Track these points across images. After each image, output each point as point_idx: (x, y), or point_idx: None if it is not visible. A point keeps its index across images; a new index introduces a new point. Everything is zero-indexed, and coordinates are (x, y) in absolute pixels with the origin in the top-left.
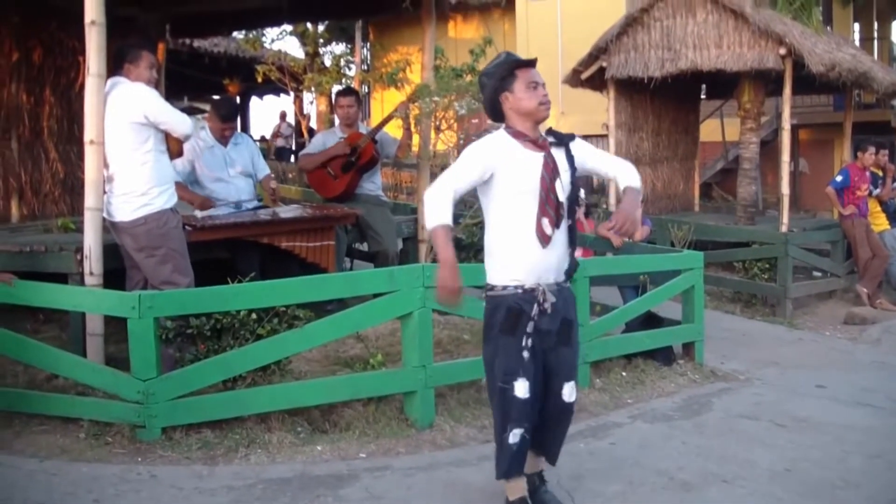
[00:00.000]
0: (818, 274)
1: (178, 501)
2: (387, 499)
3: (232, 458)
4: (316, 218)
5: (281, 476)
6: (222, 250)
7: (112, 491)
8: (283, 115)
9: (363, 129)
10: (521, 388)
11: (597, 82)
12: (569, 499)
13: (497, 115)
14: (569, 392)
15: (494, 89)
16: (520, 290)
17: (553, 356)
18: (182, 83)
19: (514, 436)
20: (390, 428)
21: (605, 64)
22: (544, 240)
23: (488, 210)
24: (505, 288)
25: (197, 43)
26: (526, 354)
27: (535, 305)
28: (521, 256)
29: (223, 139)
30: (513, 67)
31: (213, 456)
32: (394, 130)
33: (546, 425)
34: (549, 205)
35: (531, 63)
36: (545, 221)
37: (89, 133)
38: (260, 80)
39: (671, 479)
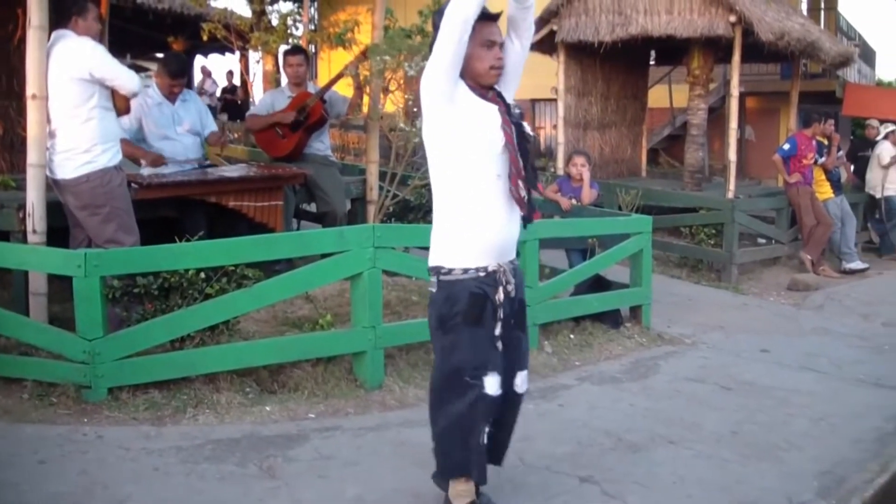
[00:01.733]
0: (763, 241)
1: (126, 462)
2: (337, 459)
3: (180, 418)
4: (264, 177)
5: (230, 436)
6: (169, 209)
7: (58, 452)
8: (206, 72)
9: (312, 88)
10: (493, 384)
11: (546, 46)
12: (518, 460)
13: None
14: (522, 382)
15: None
16: (482, 274)
17: (511, 344)
18: (125, 40)
19: (483, 435)
20: (339, 388)
21: (555, 27)
22: (521, 204)
23: (443, 175)
24: (465, 271)
25: None
26: (500, 345)
27: (500, 290)
28: (483, 232)
29: (171, 96)
30: None
31: (160, 416)
32: (343, 90)
33: (499, 422)
34: (516, 165)
35: (494, 17)
36: (520, 183)
37: (31, 87)
38: (205, 38)
39: (619, 440)
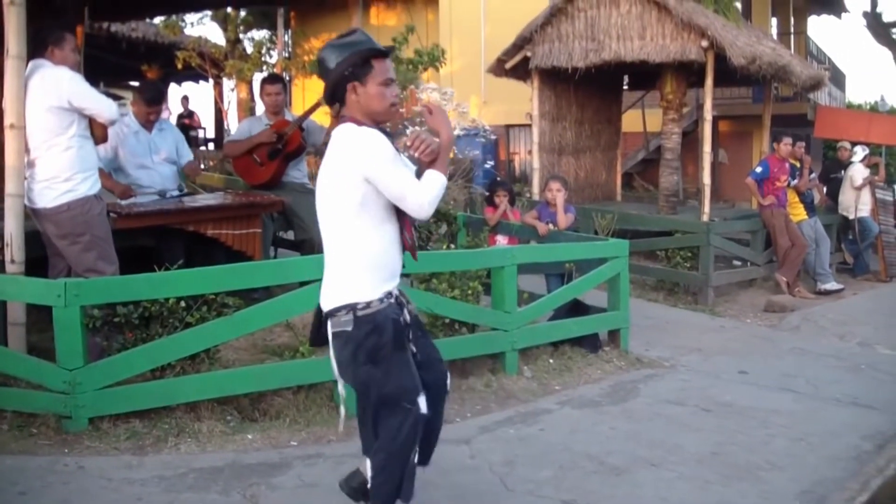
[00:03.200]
0: (738, 263)
1: (108, 493)
2: (320, 486)
3: (161, 447)
4: (242, 205)
5: (212, 465)
6: (147, 238)
7: (38, 483)
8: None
9: (289, 116)
10: (424, 402)
11: (521, 72)
12: (501, 485)
13: (334, 98)
14: (447, 377)
15: (342, 75)
16: (392, 300)
17: (424, 351)
18: (99, 68)
19: (416, 454)
20: (321, 415)
21: (529, 54)
22: (411, 236)
23: (351, 222)
24: (381, 301)
25: (115, 27)
26: (415, 366)
27: (406, 311)
28: (389, 263)
29: (148, 124)
30: (369, 56)
31: (141, 446)
32: (321, 118)
33: (431, 426)
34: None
35: (388, 53)
36: (407, 223)
37: (9, 117)
38: (180, 66)
39: (601, 463)
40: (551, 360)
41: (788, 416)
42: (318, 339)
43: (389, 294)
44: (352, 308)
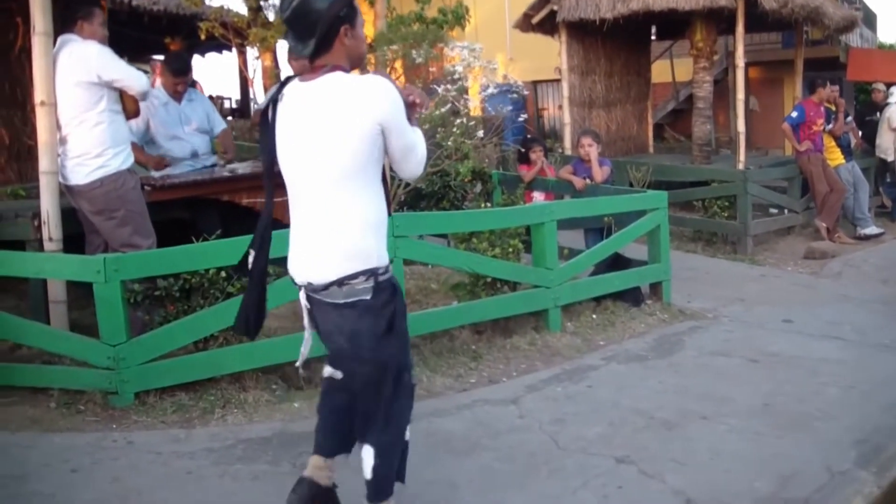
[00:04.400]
0: (775, 211)
1: (158, 467)
2: None
3: (208, 419)
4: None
5: (260, 435)
6: (182, 210)
7: (89, 459)
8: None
9: None
10: None
11: (547, 26)
12: (552, 444)
13: (323, 44)
14: None
15: (336, 17)
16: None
17: None
18: (122, 43)
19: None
20: None
21: (556, 7)
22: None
23: (367, 171)
24: (388, 266)
25: (136, 1)
26: None
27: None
28: (386, 224)
29: (176, 95)
30: None
31: (188, 419)
32: None
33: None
34: None
35: None
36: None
37: (39, 94)
38: (203, 37)
39: (651, 418)
40: (594, 316)
41: (837, 365)
42: (252, 324)
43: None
44: (372, 273)
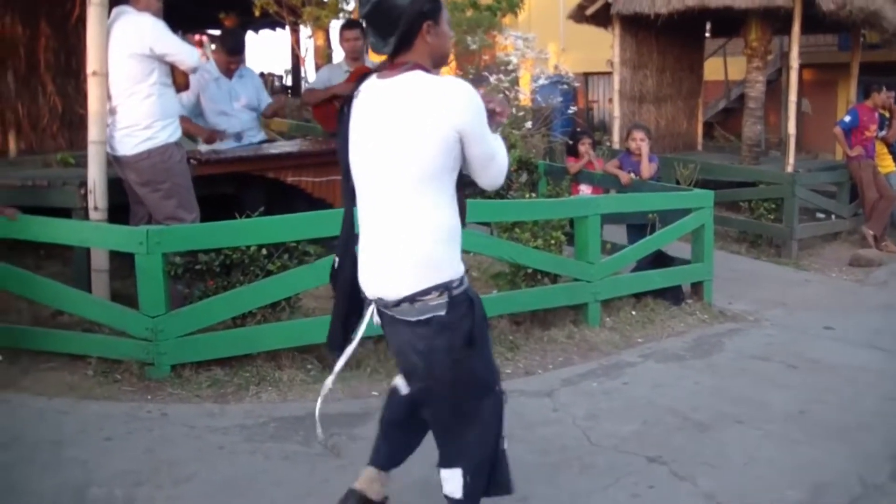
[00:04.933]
0: (821, 215)
1: (191, 440)
2: None
3: (243, 396)
4: (323, 152)
5: (293, 414)
6: (227, 185)
7: (123, 429)
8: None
9: (369, 62)
10: None
11: (601, 18)
12: (585, 439)
13: (404, 42)
14: None
15: (419, 13)
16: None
17: None
18: (176, 17)
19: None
20: None
21: (610, 0)
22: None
23: (444, 179)
24: (463, 277)
25: None
26: None
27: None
28: (459, 235)
29: (228, 73)
30: None
31: (223, 394)
32: None
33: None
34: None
35: None
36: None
37: (92, 64)
38: (257, 13)
39: (686, 419)
40: (633, 312)
41: (877, 374)
42: (340, 340)
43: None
44: (446, 288)
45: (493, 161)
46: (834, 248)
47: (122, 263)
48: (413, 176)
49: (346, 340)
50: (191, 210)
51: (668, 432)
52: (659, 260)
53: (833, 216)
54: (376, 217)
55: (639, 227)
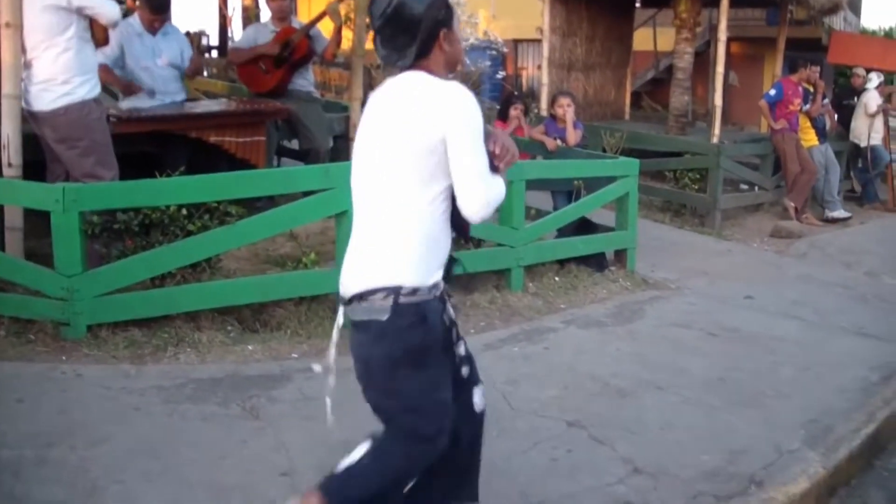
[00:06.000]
0: (745, 187)
1: (106, 402)
2: (321, 399)
3: (160, 357)
4: (246, 112)
5: (212, 376)
6: (149, 144)
7: (36, 390)
8: None
9: (296, 23)
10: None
11: None
12: (505, 403)
13: (421, 52)
14: (480, 399)
15: (435, 21)
16: (438, 293)
17: (466, 357)
18: None
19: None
20: (322, 328)
21: None
22: (466, 230)
23: (424, 182)
24: (430, 290)
25: None
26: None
27: (448, 309)
28: (443, 247)
29: (152, 30)
30: None
31: (140, 355)
32: (325, 28)
33: (457, 454)
34: None
35: None
36: None
37: (5, 15)
38: None
39: (606, 385)
40: (557, 279)
41: (795, 345)
42: None
43: (437, 285)
44: (393, 291)
45: (471, 186)
46: (756, 219)
47: (38, 222)
48: (392, 174)
49: None
50: (109, 168)
51: (588, 397)
52: (583, 227)
53: (756, 188)
54: (361, 215)
55: (564, 194)
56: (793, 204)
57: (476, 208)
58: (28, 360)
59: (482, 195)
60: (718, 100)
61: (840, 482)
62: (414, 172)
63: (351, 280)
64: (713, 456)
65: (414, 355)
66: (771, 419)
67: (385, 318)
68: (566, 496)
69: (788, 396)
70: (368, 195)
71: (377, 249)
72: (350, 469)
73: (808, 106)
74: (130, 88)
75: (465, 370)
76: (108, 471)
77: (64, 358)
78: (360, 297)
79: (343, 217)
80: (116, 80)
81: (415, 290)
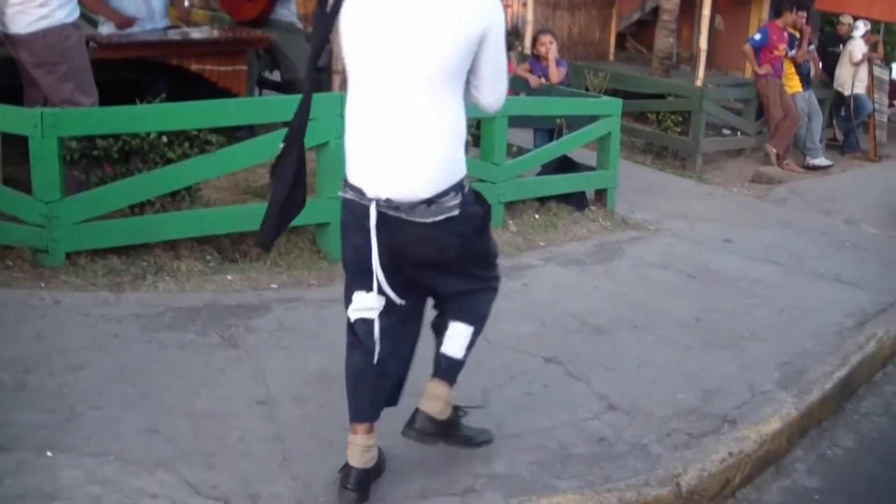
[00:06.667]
0: (727, 132)
1: (84, 329)
2: (299, 330)
3: (139, 285)
4: (228, 41)
5: (190, 305)
6: (129, 72)
7: (14, 316)
8: None
9: None
10: None
11: None
12: (482, 338)
13: None
14: None
15: None
16: None
17: None
18: None
19: None
20: (302, 259)
21: None
22: None
23: (460, 80)
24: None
25: None
26: None
27: None
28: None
29: None
30: None
31: (119, 283)
32: None
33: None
34: None
35: None
36: None
37: None
38: None
39: (584, 322)
40: (537, 216)
41: (772, 288)
42: (274, 231)
43: None
44: (460, 187)
45: (501, 77)
46: (737, 163)
47: (16, 148)
48: (438, 72)
49: (280, 231)
50: (89, 94)
51: (566, 334)
52: (564, 165)
53: (738, 132)
54: (386, 114)
55: (546, 132)
56: (774, 150)
57: (501, 101)
58: (6, 286)
59: (504, 90)
60: (704, 43)
61: (811, 423)
62: (457, 67)
63: (412, 187)
64: (688, 395)
65: (480, 227)
66: (745, 360)
67: (457, 212)
68: (541, 430)
69: (763, 338)
70: (403, 92)
71: (436, 152)
72: (468, 350)
73: (793, 52)
74: (125, 23)
75: None
76: (86, 396)
77: (42, 285)
78: (429, 201)
79: (324, 148)
80: (111, 13)
81: (467, 177)
